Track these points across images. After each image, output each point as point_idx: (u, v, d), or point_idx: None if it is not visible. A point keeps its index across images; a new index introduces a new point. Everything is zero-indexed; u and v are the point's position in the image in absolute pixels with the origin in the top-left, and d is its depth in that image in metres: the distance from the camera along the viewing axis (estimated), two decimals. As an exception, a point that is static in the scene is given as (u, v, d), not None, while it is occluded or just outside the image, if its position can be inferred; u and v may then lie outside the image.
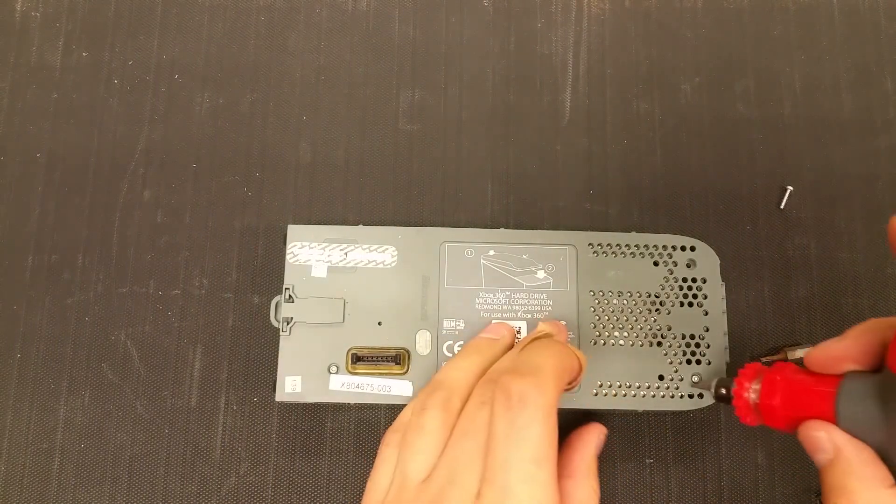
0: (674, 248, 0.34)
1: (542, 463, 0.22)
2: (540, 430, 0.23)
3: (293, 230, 0.34)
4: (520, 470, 0.22)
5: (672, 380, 0.33)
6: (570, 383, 0.30)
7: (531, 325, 0.33)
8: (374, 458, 0.36)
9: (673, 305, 0.34)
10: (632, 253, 0.34)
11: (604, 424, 0.31)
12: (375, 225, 0.35)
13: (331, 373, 0.33)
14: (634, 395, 0.32)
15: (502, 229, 0.35)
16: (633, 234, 0.35)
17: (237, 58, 0.40)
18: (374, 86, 0.40)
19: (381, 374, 0.32)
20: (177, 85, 0.40)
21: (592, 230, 0.35)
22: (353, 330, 0.33)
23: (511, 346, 0.31)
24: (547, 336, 0.30)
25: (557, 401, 0.25)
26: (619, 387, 0.32)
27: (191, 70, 0.40)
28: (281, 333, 0.33)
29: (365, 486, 0.34)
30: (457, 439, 0.25)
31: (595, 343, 0.33)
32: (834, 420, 0.22)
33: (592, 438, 0.29)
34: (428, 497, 0.24)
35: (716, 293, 0.34)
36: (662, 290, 0.34)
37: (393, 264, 0.34)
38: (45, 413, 0.35)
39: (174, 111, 0.39)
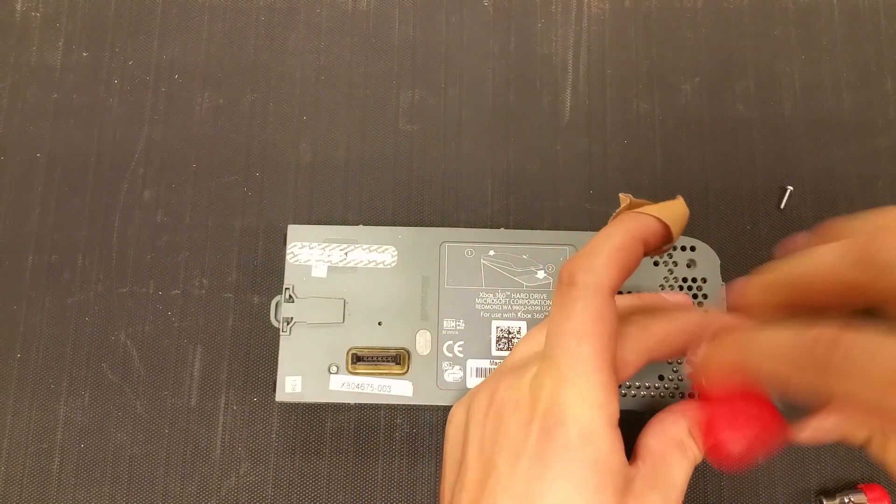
0: (674, 247, 0.34)
1: (583, 338, 0.22)
2: (582, 305, 0.22)
3: (293, 230, 0.34)
4: (560, 343, 0.22)
5: (672, 380, 0.33)
6: (656, 246, 0.26)
7: (531, 325, 0.33)
8: (374, 458, 0.36)
9: (673, 305, 0.34)
10: (632, 253, 0.34)
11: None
12: (375, 225, 0.35)
13: (331, 373, 0.33)
14: (634, 395, 0.32)
15: (502, 229, 0.35)
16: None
17: (237, 58, 0.40)
18: (374, 86, 0.40)
19: (381, 374, 0.32)
20: (177, 85, 0.40)
21: (592, 230, 0.35)
22: (353, 330, 0.33)
23: None
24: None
25: (615, 278, 0.23)
26: (620, 387, 0.32)
27: (191, 70, 0.40)
28: (281, 333, 0.33)
29: (364, 486, 0.34)
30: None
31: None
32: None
33: (669, 421, 0.25)
34: (512, 370, 0.25)
35: (716, 293, 0.34)
36: (663, 289, 0.34)
37: (393, 264, 0.34)
38: (45, 413, 0.35)
39: (174, 111, 0.39)
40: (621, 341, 0.23)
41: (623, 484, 0.22)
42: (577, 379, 0.22)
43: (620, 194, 0.27)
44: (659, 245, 0.25)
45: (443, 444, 0.28)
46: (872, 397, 0.15)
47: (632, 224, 0.24)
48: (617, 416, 0.22)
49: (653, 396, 0.32)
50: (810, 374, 0.16)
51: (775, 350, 0.18)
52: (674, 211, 0.26)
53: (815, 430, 0.21)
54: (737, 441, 0.22)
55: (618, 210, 0.27)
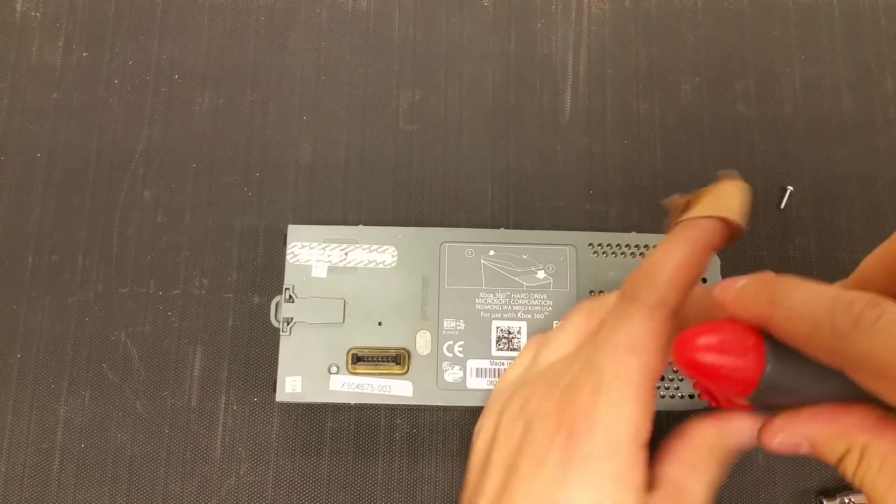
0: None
1: (635, 352, 0.22)
2: (639, 321, 0.22)
3: (293, 230, 0.34)
4: (610, 353, 0.22)
5: (672, 380, 0.33)
6: (727, 239, 0.24)
7: (531, 325, 0.33)
8: (374, 458, 0.36)
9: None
10: (632, 253, 0.34)
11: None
12: (375, 225, 0.35)
13: (331, 373, 0.32)
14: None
15: (502, 229, 0.35)
16: (633, 234, 0.35)
17: (237, 58, 0.40)
18: (374, 86, 0.40)
19: (381, 374, 0.32)
20: (177, 85, 0.40)
21: (592, 230, 0.35)
22: (353, 330, 0.33)
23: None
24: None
25: (677, 298, 0.23)
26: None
27: (191, 70, 0.40)
28: (281, 333, 0.33)
29: (364, 486, 0.34)
30: (587, 338, 0.25)
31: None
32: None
33: (705, 430, 0.24)
34: (545, 378, 0.25)
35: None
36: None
37: (393, 264, 0.34)
38: (45, 413, 0.35)
39: (174, 111, 0.39)
40: None
41: (644, 500, 0.21)
42: (618, 390, 0.21)
43: (671, 198, 0.25)
44: (728, 240, 0.24)
45: (467, 452, 0.28)
46: (891, 358, 0.15)
47: (694, 234, 0.23)
48: (647, 437, 0.22)
49: (653, 396, 0.32)
50: (840, 329, 0.16)
51: (813, 301, 0.17)
52: (728, 198, 0.24)
53: (787, 434, 0.20)
54: (710, 352, 0.20)
55: (674, 217, 0.25)
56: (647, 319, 0.22)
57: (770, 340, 0.19)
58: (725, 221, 0.23)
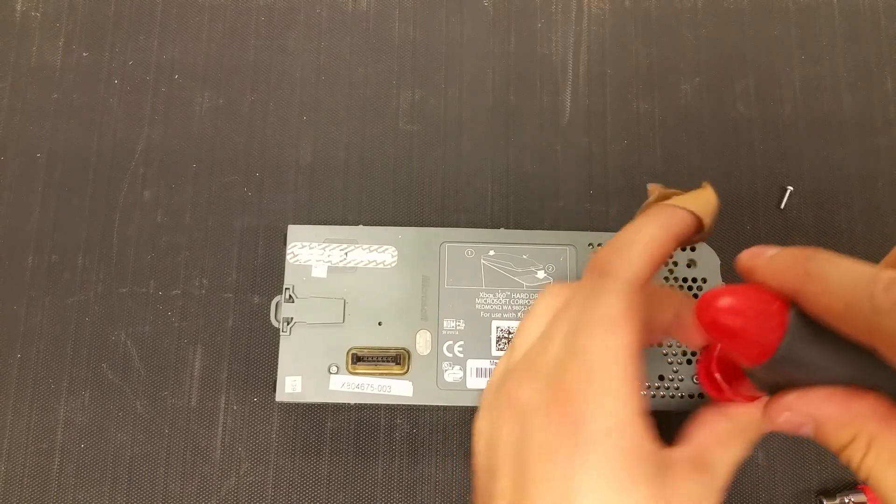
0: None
1: (617, 328, 0.22)
2: (615, 297, 0.22)
3: (293, 230, 0.34)
4: (588, 333, 0.22)
5: (672, 380, 0.33)
6: (689, 238, 0.25)
7: (531, 325, 0.33)
8: (374, 458, 0.36)
9: (673, 305, 0.34)
10: (632, 253, 0.34)
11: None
12: (375, 225, 0.35)
13: (331, 373, 0.33)
14: (634, 395, 0.32)
15: (502, 229, 0.35)
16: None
17: (237, 58, 0.40)
18: (374, 86, 0.40)
19: (381, 374, 0.32)
20: (177, 85, 0.40)
21: (592, 230, 0.35)
22: (353, 330, 0.33)
23: None
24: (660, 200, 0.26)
25: (647, 273, 0.23)
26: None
27: (191, 70, 0.40)
28: (281, 333, 0.33)
29: (364, 486, 0.34)
30: (556, 314, 0.25)
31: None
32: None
33: (715, 417, 0.24)
34: (524, 365, 0.24)
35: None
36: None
37: (393, 264, 0.34)
38: (45, 413, 0.35)
39: (174, 111, 0.39)
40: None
41: (658, 471, 0.21)
42: (608, 371, 0.21)
43: (649, 185, 0.26)
44: (691, 237, 0.25)
45: (470, 457, 0.28)
46: None
47: (665, 218, 0.24)
48: (643, 406, 0.22)
49: (653, 396, 0.32)
50: (879, 306, 0.16)
51: (851, 276, 0.17)
52: (704, 200, 0.25)
53: (795, 412, 0.20)
54: (733, 313, 0.19)
55: (646, 202, 0.26)
56: (621, 294, 0.22)
57: (793, 310, 0.19)
58: (695, 217, 0.24)
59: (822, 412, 0.19)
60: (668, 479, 0.21)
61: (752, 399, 0.23)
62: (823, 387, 0.19)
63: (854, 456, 0.19)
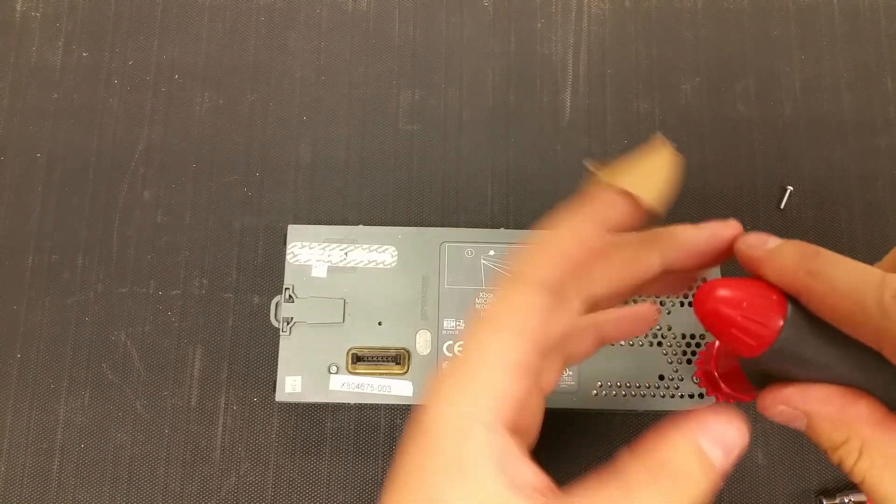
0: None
1: (496, 327, 0.20)
2: (510, 298, 0.20)
3: (293, 230, 0.34)
4: (473, 330, 0.20)
5: (672, 380, 0.33)
6: (632, 223, 0.22)
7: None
8: (374, 458, 0.36)
9: (673, 305, 0.34)
10: (632, 253, 0.34)
11: (604, 425, 0.31)
12: (375, 225, 0.35)
13: (331, 373, 0.32)
14: (634, 395, 0.32)
15: (502, 229, 0.35)
16: (633, 233, 0.34)
17: (237, 58, 0.40)
18: (374, 86, 0.40)
19: (381, 374, 0.32)
20: (177, 85, 0.40)
21: (592, 230, 0.35)
22: (353, 330, 0.33)
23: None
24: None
25: (552, 275, 0.21)
26: (619, 387, 0.32)
27: (191, 70, 0.40)
28: (281, 333, 0.33)
29: (364, 486, 0.34)
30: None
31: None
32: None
33: (690, 430, 0.21)
34: (448, 367, 0.23)
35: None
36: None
37: (393, 264, 0.34)
38: (45, 413, 0.35)
39: (174, 111, 0.39)
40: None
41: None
42: (468, 367, 0.20)
43: (588, 162, 0.22)
44: (636, 220, 0.21)
45: None
46: None
47: (595, 210, 0.21)
48: (508, 418, 0.20)
49: (653, 396, 0.32)
50: (888, 309, 0.16)
51: (858, 278, 0.17)
52: (653, 175, 0.21)
53: (792, 407, 0.19)
54: (731, 303, 0.19)
55: (589, 183, 0.22)
56: (519, 296, 0.21)
57: (792, 304, 0.19)
58: (631, 201, 0.20)
59: (818, 410, 0.19)
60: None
61: (750, 398, 0.24)
62: (822, 385, 0.19)
63: (847, 458, 0.19)
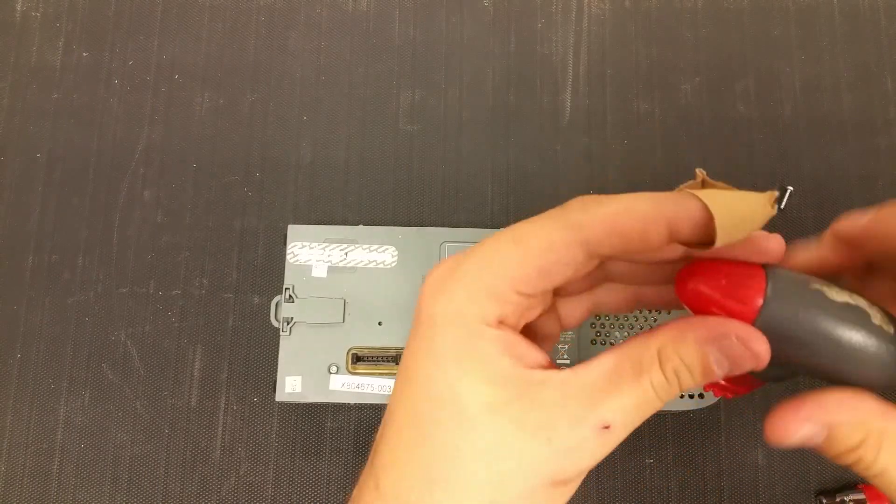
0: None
1: (515, 239, 0.21)
2: (542, 222, 0.21)
3: (293, 230, 0.34)
4: (495, 237, 0.22)
5: (672, 380, 0.33)
6: (690, 238, 0.21)
7: (531, 325, 0.33)
8: (374, 458, 0.36)
9: (673, 305, 0.34)
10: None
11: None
12: (375, 225, 0.35)
13: (331, 373, 0.32)
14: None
15: (502, 229, 0.35)
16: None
17: (237, 58, 0.40)
18: (374, 86, 0.40)
19: (381, 374, 0.32)
20: (177, 85, 0.40)
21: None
22: (353, 330, 0.33)
23: None
24: None
25: (598, 230, 0.20)
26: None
27: (191, 70, 0.40)
28: (281, 333, 0.33)
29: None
30: None
31: (595, 343, 0.33)
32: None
33: (638, 339, 0.20)
34: (451, 263, 0.23)
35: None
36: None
37: (393, 264, 0.34)
38: (45, 413, 0.35)
39: (174, 111, 0.39)
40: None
41: (498, 380, 0.19)
42: (474, 263, 0.21)
43: (697, 169, 0.22)
44: (694, 240, 0.21)
45: None
46: None
47: (661, 200, 0.21)
48: (510, 321, 0.20)
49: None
50: None
51: None
52: (740, 206, 0.20)
53: (813, 423, 0.19)
54: (709, 284, 0.19)
55: (685, 185, 0.22)
56: (556, 233, 0.21)
57: (773, 283, 0.19)
58: (703, 214, 0.20)
59: (837, 418, 0.19)
60: (520, 396, 0.19)
61: (749, 389, 0.23)
62: (830, 391, 0.19)
63: (867, 455, 0.19)
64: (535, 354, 0.21)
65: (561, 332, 0.24)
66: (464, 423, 0.19)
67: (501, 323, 0.21)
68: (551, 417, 0.19)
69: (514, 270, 0.21)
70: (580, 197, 0.21)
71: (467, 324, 0.20)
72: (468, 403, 0.19)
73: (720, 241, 0.20)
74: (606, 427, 0.19)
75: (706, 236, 0.20)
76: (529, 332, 0.23)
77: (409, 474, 0.20)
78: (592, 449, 0.19)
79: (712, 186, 0.21)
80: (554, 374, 0.20)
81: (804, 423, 0.19)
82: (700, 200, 0.20)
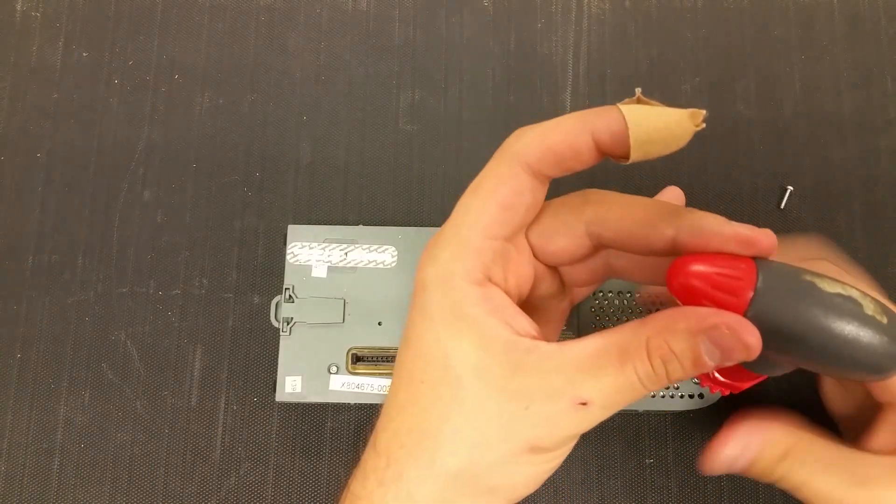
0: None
1: (477, 192, 0.23)
2: (494, 168, 0.24)
3: (293, 230, 0.34)
4: (462, 198, 0.24)
5: (672, 380, 0.33)
6: (612, 151, 0.22)
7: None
8: (374, 458, 0.36)
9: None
10: (632, 253, 0.34)
11: (603, 425, 0.31)
12: (375, 225, 0.35)
13: (331, 373, 0.33)
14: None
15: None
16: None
17: (237, 58, 0.40)
18: (374, 86, 0.40)
19: (381, 374, 0.32)
20: (177, 85, 0.40)
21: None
22: (353, 330, 0.33)
23: None
24: None
25: (540, 156, 0.23)
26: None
27: (191, 70, 0.40)
28: (281, 333, 0.33)
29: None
30: None
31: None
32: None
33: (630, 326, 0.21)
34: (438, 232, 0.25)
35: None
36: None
37: (393, 264, 0.34)
38: (45, 413, 0.35)
39: (174, 111, 0.39)
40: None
41: (485, 342, 0.20)
42: (451, 228, 0.22)
43: (637, 89, 0.23)
44: (616, 152, 0.22)
45: None
46: None
47: (586, 115, 0.22)
48: (491, 271, 0.22)
49: (653, 396, 0.32)
50: None
51: None
52: (660, 121, 0.21)
53: (739, 439, 0.22)
54: (699, 276, 0.19)
55: (626, 100, 0.23)
56: (501, 167, 0.23)
57: (764, 276, 0.19)
58: (621, 128, 0.21)
59: (751, 438, 0.22)
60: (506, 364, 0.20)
61: (750, 383, 0.24)
62: (746, 421, 0.21)
63: (791, 470, 0.21)
64: (524, 323, 0.21)
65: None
66: (452, 383, 0.20)
67: (489, 280, 0.22)
68: (531, 386, 0.20)
69: (480, 217, 0.22)
70: (518, 129, 0.23)
71: (455, 285, 0.21)
72: (456, 364, 0.20)
73: (634, 153, 0.21)
74: (583, 403, 0.19)
75: (627, 149, 0.21)
76: (539, 314, 0.24)
77: (402, 431, 0.21)
78: (568, 422, 0.20)
79: (647, 104, 0.22)
80: (542, 345, 0.20)
81: (724, 447, 0.22)
82: (621, 113, 0.21)
